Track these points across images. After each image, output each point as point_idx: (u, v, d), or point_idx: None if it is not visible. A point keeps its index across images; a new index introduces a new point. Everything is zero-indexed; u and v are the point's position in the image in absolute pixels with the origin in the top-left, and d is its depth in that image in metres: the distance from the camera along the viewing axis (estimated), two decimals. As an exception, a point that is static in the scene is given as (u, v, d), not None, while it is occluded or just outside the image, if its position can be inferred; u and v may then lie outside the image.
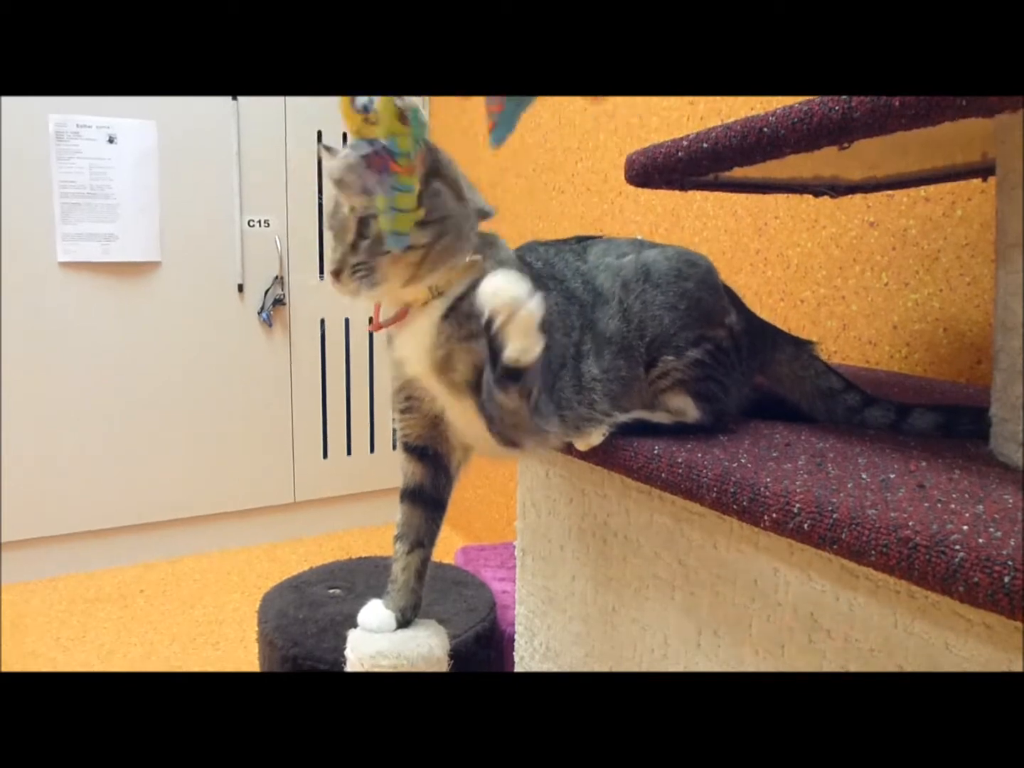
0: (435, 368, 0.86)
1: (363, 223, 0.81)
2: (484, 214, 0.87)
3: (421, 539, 0.95)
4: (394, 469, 0.98)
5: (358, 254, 0.81)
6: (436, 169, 0.82)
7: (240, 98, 2.54)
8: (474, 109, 2.60)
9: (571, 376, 0.89)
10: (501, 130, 0.70)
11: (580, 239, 1.01)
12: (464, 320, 0.83)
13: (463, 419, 0.90)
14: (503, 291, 0.73)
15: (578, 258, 0.97)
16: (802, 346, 1.00)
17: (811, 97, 0.73)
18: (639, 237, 1.02)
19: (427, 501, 0.95)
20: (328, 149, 0.86)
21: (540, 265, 0.94)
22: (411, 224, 0.74)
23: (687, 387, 0.92)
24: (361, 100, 0.70)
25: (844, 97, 0.68)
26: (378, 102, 0.68)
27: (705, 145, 0.84)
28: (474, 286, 0.80)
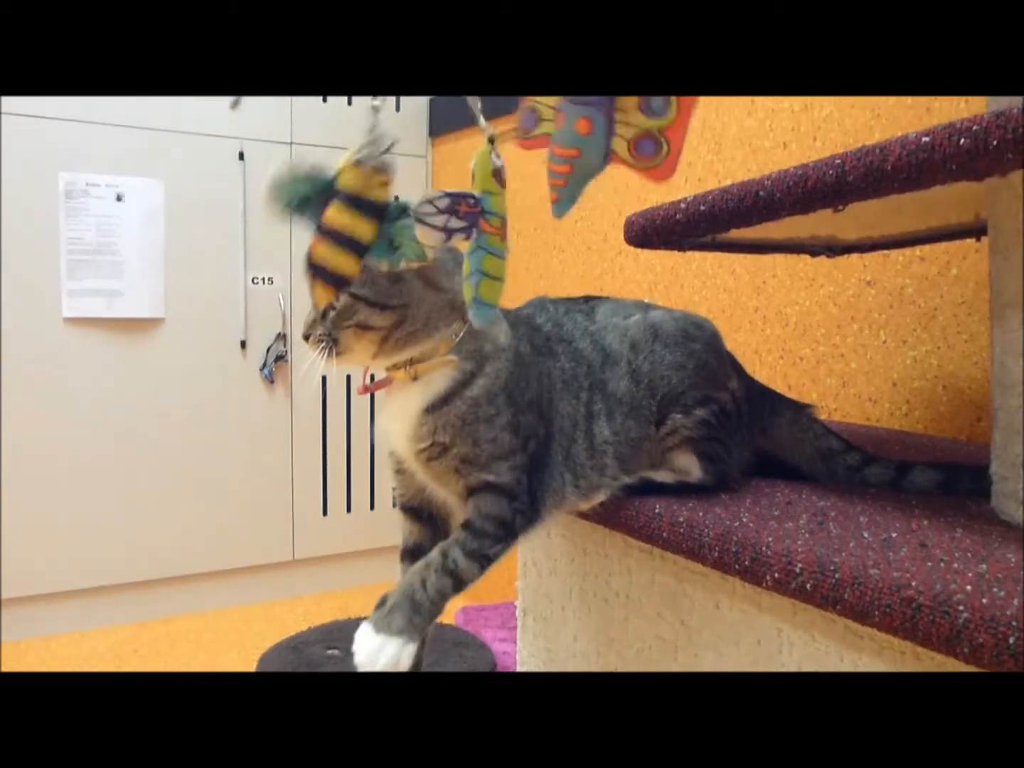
0: (417, 458, 0.87)
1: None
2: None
3: (421, 600, 0.95)
4: (395, 527, 0.97)
5: (325, 322, 0.83)
6: None
7: (246, 157, 2.58)
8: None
9: (584, 439, 0.90)
10: (564, 203, 0.66)
11: (588, 299, 1.02)
12: (447, 427, 0.84)
13: (451, 501, 0.91)
14: (360, 651, 0.79)
15: (587, 318, 0.98)
16: (801, 409, 1.00)
17: (806, 163, 0.74)
18: (645, 301, 1.02)
19: None
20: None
21: (549, 326, 0.95)
22: (499, 296, 0.69)
23: (693, 446, 0.93)
24: (363, 155, 0.68)
25: (838, 161, 0.70)
26: (475, 155, 0.64)
27: (703, 208, 0.86)
28: (454, 390, 0.84)
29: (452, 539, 0.85)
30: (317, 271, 0.75)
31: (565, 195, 0.66)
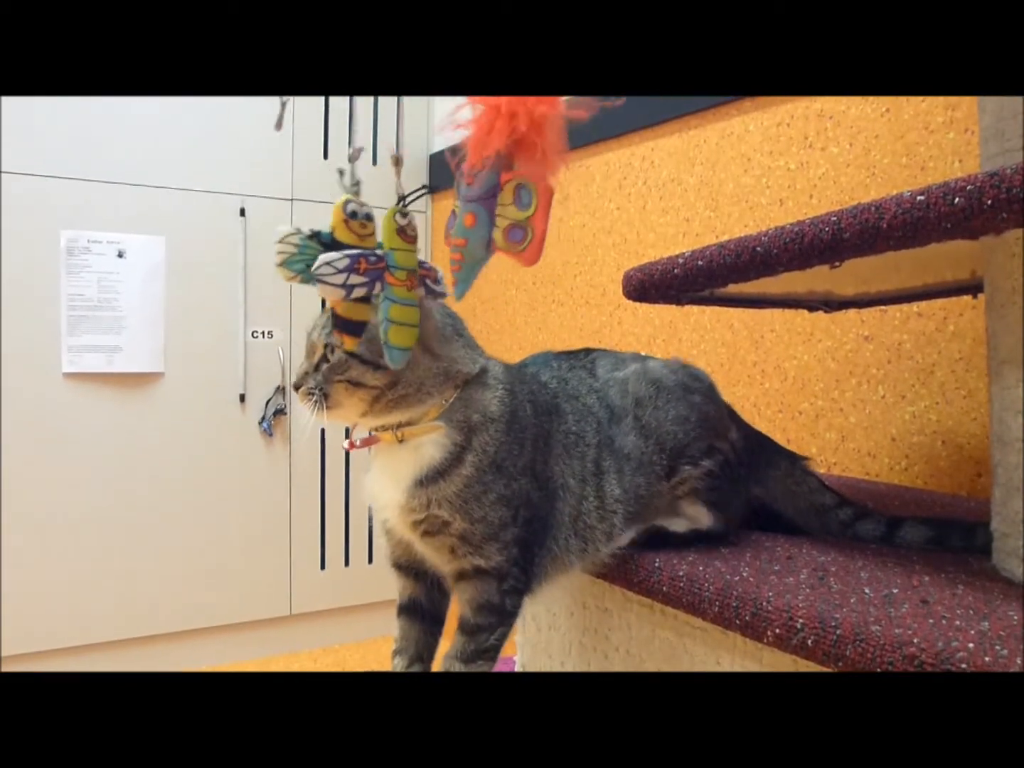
0: (413, 530, 0.87)
1: (329, 348, 0.83)
2: (463, 374, 0.86)
3: (420, 654, 0.93)
4: (393, 581, 0.97)
5: (317, 375, 0.83)
6: None
7: (248, 213, 2.61)
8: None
9: (595, 497, 0.90)
10: (460, 286, 0.74)
11: (587, 352, 1.03)
12: (442, 504, 0.83)
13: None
14: None
15: (590, 374, 0.98)
16: (795, 461, 1.01)
17: (802, 220, 0.75)
18: (641, 354, 1.03)
19: (424, 616, 0.94)
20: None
21: (555, 383, 0.95)
22: (412, 340, 0.74)
23: (700, 496, 0.94)
24: (352, 205, 0.71)
25: (833, 218, 0.71)
26: (383, 217, 0.69)
27: (700, 263, 0.86)
28: (447, 464, 0.83)
29: (450, 652, 0.86)
30: (339, 324, 0.77)
31: (461, 278, 0.75)
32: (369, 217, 0.73)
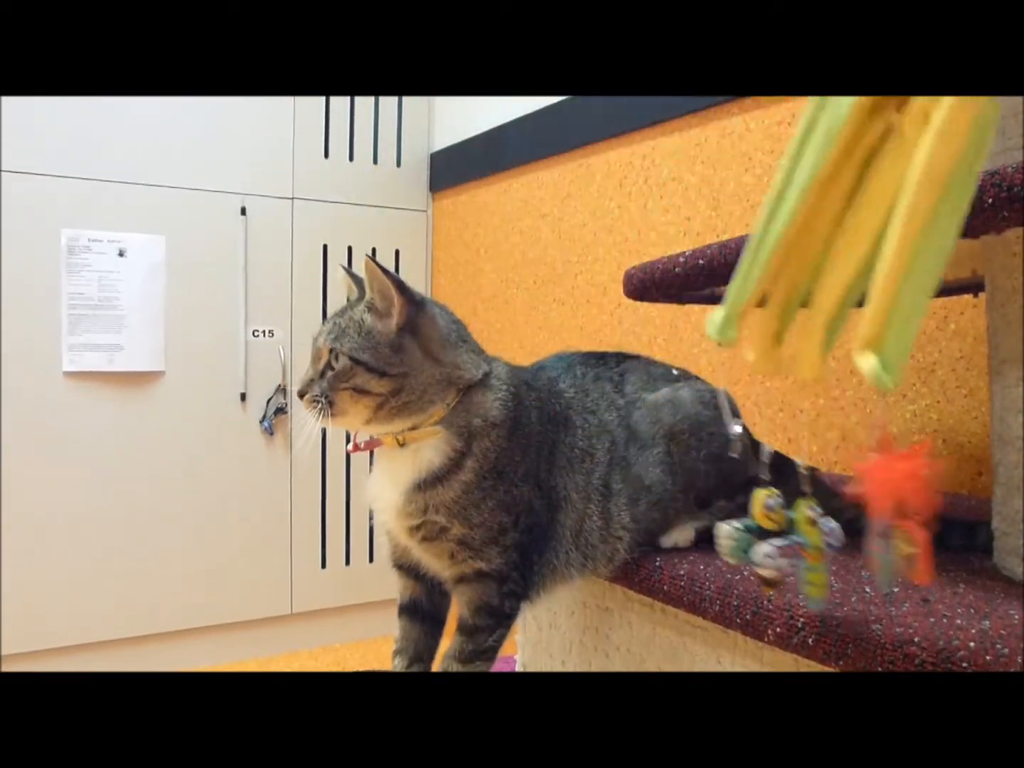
0: (411, 535, 0.87)
1: (334, 355, 0.84)
2: (466, 379, 0.87)
3: (420, 654, 0.94)
4: (394, 580, 0.97)
5: (322, 382, 0.84)
6: (412, 326, 0.84)
7: (248, 212, 2.61)
8: (476, 222, 2.67)
9: (598, 517, 0.89)
10: (884, 580, 0.78)
11: (620, 359, 1.01)
12: (440, 509, 0.84)
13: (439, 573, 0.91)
14: None
15: (616, 389, 0.97)
16: (808, 471, 1.01)
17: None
18: (673, 370, 1.03)
19: (424, 616, 0.94)
20: (347, 270, 0.92)
21: (572, 392, 0.94)
22: (823, 593, 0.80)
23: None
24: (769, 501, 0.79)
25: (835, 217, 0.70)
26: (795, 517, 0.77)
27: (701, 262, 0.86)
28: (446, 470, 0.84)
29: (448, 652, 0.86)
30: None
31: (882, 580, 0.79)
32: (781, 506, 0.80)
